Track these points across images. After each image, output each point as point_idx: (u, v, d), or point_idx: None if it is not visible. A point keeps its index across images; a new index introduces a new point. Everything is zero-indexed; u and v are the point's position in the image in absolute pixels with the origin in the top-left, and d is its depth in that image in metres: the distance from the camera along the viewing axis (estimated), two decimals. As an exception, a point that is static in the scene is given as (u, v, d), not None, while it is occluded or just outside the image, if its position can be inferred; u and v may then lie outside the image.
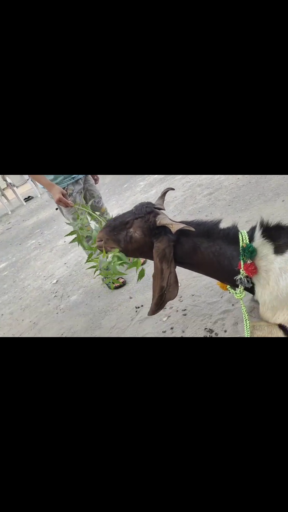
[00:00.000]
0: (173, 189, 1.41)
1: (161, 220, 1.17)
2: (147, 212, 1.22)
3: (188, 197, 3.03)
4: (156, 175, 4.01)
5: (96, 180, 2.26)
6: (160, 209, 1.25)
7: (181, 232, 1.17)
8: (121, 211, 3.57)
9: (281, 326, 1.10)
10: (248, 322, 1.14)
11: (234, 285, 1.16)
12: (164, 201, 1.32)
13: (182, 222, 1.22)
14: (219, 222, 1.15)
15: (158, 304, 1.24)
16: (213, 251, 1.12)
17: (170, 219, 1.21)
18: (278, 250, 1.04)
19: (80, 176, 1.99)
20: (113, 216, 2.29)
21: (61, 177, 1.90)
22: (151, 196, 3.49)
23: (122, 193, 4.07)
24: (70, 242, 1.39)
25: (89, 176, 2.12)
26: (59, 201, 1.75)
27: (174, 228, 1.14)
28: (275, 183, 2.46)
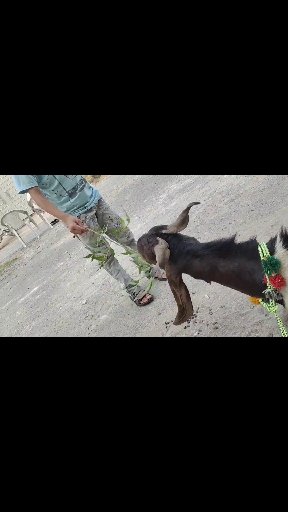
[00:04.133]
0: (198, 203, 1.37)
1: (161, 257, 1.21)
2: (147, 242, 1.28)
3: (209, 206, 2.99)
4: (175, 187, 4.01)
5: None
6: (168, 234, 1.25)
7: (193, 255, 1.17)
8: (144, 226, 3.60)
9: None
10: (285, 333, 1.09)
11: (264, 299, 1.12)
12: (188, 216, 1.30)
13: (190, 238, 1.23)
14: (234, 238, 1.12)
15: (180, 317, 1.30)
16: (232, 268, 1.09)
17: (163, 250, 1.22)
18: None
19: (92, 204, 2.05)
20: (128, 231, 2.35)
21: (73, 208, 1.98)
22: (172, 209, 3.49)
23: (143, 208, 4.11)
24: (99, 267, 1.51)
25: (102, 200, 2.16)
26: (73, 230, 1.81)
27: (162, 262, 1.18)
28: (299, 182, 2.37)
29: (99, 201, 2.13)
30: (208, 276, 1.17)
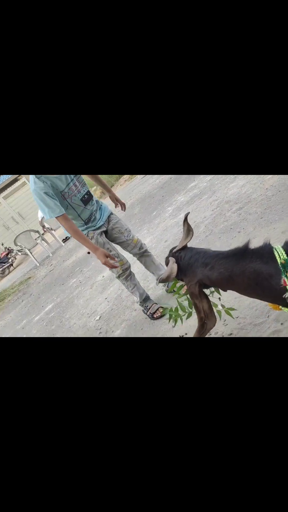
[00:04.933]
0: (189, 212, 1.41)
1: (167, 271, 1.28)
2: (166, 264, 1.35)
3: (217, 216, 2.99)
4: (182, 199, 4.04)
5: (122, 206, 2.32)
6: (178, 250, 1.32)
7: (202, 264, 1.21)
8: (153, 238, 3.62)
9: None
10: None
11: (284, 304, 1.10)
12: (190, 224, 1.33)
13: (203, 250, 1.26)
14: (247, 244, 1.12)
15: (200, 332, 1.30)
16: (248, 275, 1.09)
17: (171, 265, 1.28)
18: None
19: (101, 223, 2.13)
20: (139, 243, 2.38)
21: (85, 231, 2.09)
22: (180, 220, 3.50)
23: (152, 221, 4.15)
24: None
25: (112, 215, 2.22)
26: (105, 264, 1.91)
27: (167, 276, 1.26)
28: (307, 187, 2.36)
29: (109, 217, 2.19)
30: (226, 285, 1.17)
